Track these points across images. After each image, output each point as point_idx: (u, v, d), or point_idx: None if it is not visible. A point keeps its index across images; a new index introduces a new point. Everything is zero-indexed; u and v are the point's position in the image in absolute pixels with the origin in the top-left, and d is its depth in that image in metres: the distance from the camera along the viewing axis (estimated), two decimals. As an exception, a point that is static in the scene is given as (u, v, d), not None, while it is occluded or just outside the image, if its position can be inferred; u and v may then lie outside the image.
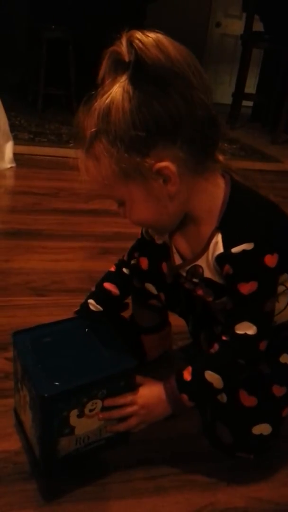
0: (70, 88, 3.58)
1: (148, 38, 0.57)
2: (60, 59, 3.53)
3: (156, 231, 0.77)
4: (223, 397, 0.76)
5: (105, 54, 0.61)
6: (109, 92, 0.59)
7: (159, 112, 0.58)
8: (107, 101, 0.58)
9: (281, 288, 0.72)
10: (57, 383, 0.64)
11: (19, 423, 0.76)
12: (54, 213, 1.78)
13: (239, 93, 3.96)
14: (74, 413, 0.65)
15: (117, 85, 0.58)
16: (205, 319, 0.85)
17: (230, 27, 5.03)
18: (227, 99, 4.05)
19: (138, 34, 0.57)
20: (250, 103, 4.33)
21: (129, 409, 0.69)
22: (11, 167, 2.23)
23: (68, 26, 3.44)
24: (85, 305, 0.86)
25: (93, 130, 0.60)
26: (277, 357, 0.78)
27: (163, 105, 0.58)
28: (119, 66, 0.59)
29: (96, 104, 0.60)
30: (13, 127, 2.40)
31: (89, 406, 0.66)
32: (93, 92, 0.62)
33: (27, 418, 0.70)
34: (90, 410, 0.66)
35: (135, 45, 0.56)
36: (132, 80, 0.58)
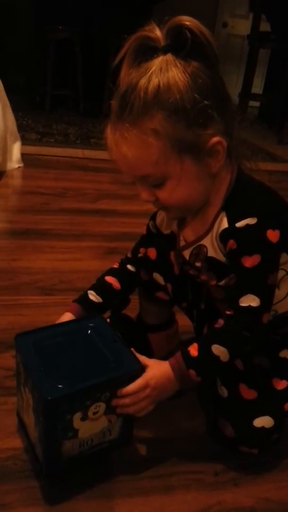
0: (77, 88, 3.59)
1: (196, 21, 0.61)
2: (67, 59, 3.54)
3: (181, 212, 0.76)
4: (224, 392, 0.77)
5: (128, 41, 0.63)
6: (153, 69, 0.60)
7: (211, 85, 0.62)
8: (160, 76, 0.60)
9: (281, 273, 0.73)
10: (60, 386, 0.63)
11: (22, 425, 0.76)
12: (62, 213, 1.78)
13: (245, 93, 3.95)
14: (77, 416, 0.64)
15: (163, 62, 0.61)
16: (210, 315, 0.86)
17: (237, 27, 5.02)
18: (234, 99, 4.04)
19: (186, 17, 0.61)
20: (257, 104, 4.32)
21: (142, 394, 0.69)
22: (19, 167, 2.24)
23: (75, 26, 3.46)
24: (84, 295, 0.86)
25: (147, 104, 0.61)
26: (277, 352, 0.79)
27: (211, 80, 0.62)
28: (150, 50, 0.62)
29: (142, 80, 0.61)
30: (20, 128, 2.42)
31: (92, 409, 0.66)
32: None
33: (30, 420, 0.70)
34: (94, 413, 0.66)
35: (190, 26, 0.60)
36: (182, 57, 0.61)
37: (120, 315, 0.93)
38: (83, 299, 0.85)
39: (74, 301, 0.86)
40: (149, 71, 0.61)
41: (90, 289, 0.87)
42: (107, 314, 0.90)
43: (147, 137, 0.62)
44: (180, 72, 0.60)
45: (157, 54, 0.62)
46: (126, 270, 0.89)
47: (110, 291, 0.87)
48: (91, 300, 0.85)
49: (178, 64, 0.61)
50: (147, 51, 0.62)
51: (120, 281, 0.88)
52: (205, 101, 0.61)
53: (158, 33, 0.62)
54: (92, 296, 0.86)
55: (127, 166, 0.66)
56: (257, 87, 4.26)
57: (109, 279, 0.88)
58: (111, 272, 0.89)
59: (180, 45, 0.61)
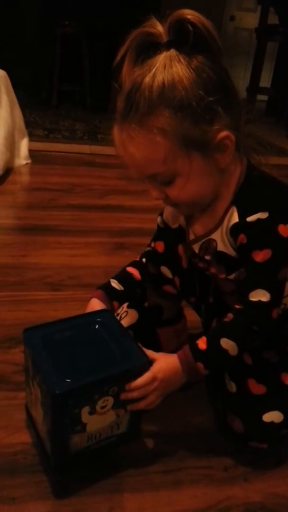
0: (84, 84, 3.59)
1: (198, 15, 0.60)
2: (74, 55, 3.53)
3: (192, 209, 0.75)
4: (233, 387, 0.77)
5: (129, 38, 0.62)
6: (157, 66, 0.59)
7: (216, 79, 0.61)
8: (165, 73, 0.59)
9: None
10: (68, 380, 0.63)
11: (30, 419, 0.76)
12: (69, 209, 1.79)
13: (253, 87, 3.92)
14: (85, 410, 0.65)
15: (167, 58, 0.60)
16: (218, 309, 0.85)
17: (244, 20, 4.98)
18: (242, 94, 4.00)
19: (188, 11, 0.60)
20: (265, 97, 4.29)
21: (151, 387, 0.69)
22: (26, 163, 2.25)
23: (82, 21, 3.45)
24: (107, 283, 0.87)
25: (152, 103, 0.60)
26: (286, 347, 0.79)
27: (216, 74, 0.61)
28: (154, 45, 0.61)
29: (147, 79, 0.60)
30: (27, 124, 2.42)
31: (100, 403, 0.66)
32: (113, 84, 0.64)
33: (38, 414, 0.70)
34: (102, 407, 0.66)
35: (192, 20, 0.59)
36: (186, 52, 0.60)
37: (141, 306, 0.93)
38: (107, 286, 0.86)
39: (98, 287, 0.86)
40: (153, 68, 0.60)
41: (113, 278, 0.88)
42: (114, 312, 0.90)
43: (154, 136, 0.61)
44: (184, 68, 0.59)
45: (160, 50, 0.61)
46: (142, 264, 0.90)
47: (131, 281, 0.88)
48: (114, 288, 0.86)
49: (181, 60, 0.60)
50: (150, 47, 0.61)
51: (140, 273, 0.89)
52: (211, 96, 0.60)
53: (159, 28, 0.61)
54: (115, 284, 0.87)
55: (135, 166, 0.66)
56: (265, 80, 4.23)
57: (130, 269, 0.89)
58: (133, 263, 0.91)
59: (183, 39, 0.60)
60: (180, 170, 0.64)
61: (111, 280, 0.87)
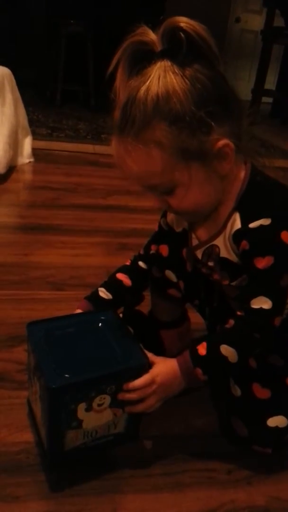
0: (88, 83, 3.59)
1: (191, 22, 0.59)
2: (78, 54, 3.53)
3: (195, 216, 0.75)
4: (237, 391, 0.76)
5: (122, 47, 0.61)
6: (152, 77, 0.58)
7: (212, 87, 0.60)
8: (159, 85, 0.58)
9: None
10: (66, 376, 0.64)
11: (31, 414, 0.77)
12: (72, 208, 1.78)
13: (258, 89, 3.92)
14: (82, 406, 0.65)
15: (161, 69, 0.59)
16: (222, 312, 0.85)
17: (250, 22, 4.98)
18: (247, 96, 4.02)
19: (181, 18, 0.58)
20: (270, 100, 4.29)
21: (149, 389, 0.69)
22: (30, 162, 2.25)
23: (87, 21, 3.45)
24: (95, 292, 0.86)
25: (147, 116, 0.59)
26: None
27: (212, 81, 0.60)
28: (148, 55, 0.60)
29: (141, 91, 0.59)
30: (31, 123, 2.42)
31: (97, 400, 0.66)
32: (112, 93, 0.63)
33: (38, 409, 0.71)
34: (99, 405, 0.66)
35: (185, 28, 0.58)
36: (180, 61, 0.59)
37: (133, 311, 0.92)
38: (94, 296, 0.86)
39: (85, 298, 0.86)
40: (147, 80, 0.59)
41: (101, 286, 0.87)
42: (121, 310, 0.89)
43: (151, 149, 0.61)
44: (179, 79, 0.58)
45: (155, 60, 0.60)
46: (138, 267, 0.88)
47: (121, 288, 0.87)
48: (101, 297, 0.85)
49: (176, 70, 0.59)
50: (143, 56, 0.60)
51: (131, 278, 0.87)
52: (208, 105, 0.59)
53: (152, 36, 0.60)
54: (102, 293, 0.86)
55: (135, 178, 0.66)
56: (270, 83, 4.23)
57: (120, 276, 0.88)
58: (123, 269, 0.89)
59: (177, 48, 0.59)
60: (180, 181, 0.64)
61: (99, 288, 0.86)
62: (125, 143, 0.62)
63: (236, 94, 0.65)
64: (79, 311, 0.83)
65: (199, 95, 0.59)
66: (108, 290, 0.86)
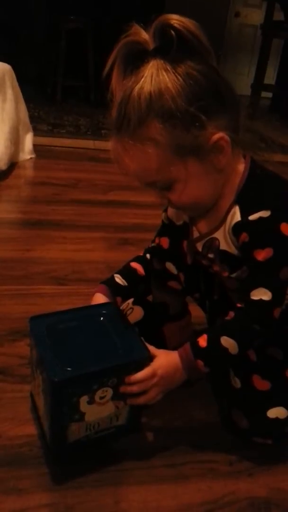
0: (89, 79, 3.58)
1: (181, 19, 0.60)
2: (78, 50, 3.52)
3: (196, 210, 0.76)
4: (237, 383, 0.77)
5: (116, 48, 0.62)
6: (145, 76, 0.60)
7: (205, 82, 0.61)
8: (152, 84, 0.59)
9: None
10: (68, 369, 0.64)
11: (34, 407, 0.77)
12: (74, 204, 1.78)
13: (258, 84, 3.90)
14: (84, 399, 0.65)
15: (153, 68, 0.60)
16: (222, 306, 0.85)
17: (249, 17, 4.95)
18: (246, 90, 4.01)
19: (171, 16, 0.59)
20: (270, 94, 4.27)
21: (150, 382, 0.69)
22: (31, 158, 2.25)
23: (87, 17, 3.43)
24: (111, 278, 0.87)
25: (142, 115, 0.60)
26: None
27: (205, 77, 0.61)
28: (141, 54, 0.61)
29: (135, 91, 0.60)
30: (32, 119, 2.41)
31: (99, 393, 0.66)
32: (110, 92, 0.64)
33: (40, 402, 0.72)
34: (101, 398, 0.67)
35: (175, 25, 0.59)
36: (172, 59, 0.60)
37: (145, 301, 0.93)
38: (110, 281, 0.86)
39: (101, 282, 0.86)
40: (140, 79, 0.60)
41: (116, 273, 0.88)
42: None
43: (146, 147, 0.62)
44: (171, 76, 0.59)
45: (147, 59, 0.61)
46: (147, 260, 0.90)
47: (135, 276, 0.88)
48: (117, 283, 0.86)
49: (168, 68, 0.60)
50: (137, 55, 0.61)
51: (144, 268, 0.89)
52: (201, 100, 0.60)
53: (144, 35, 0.61)
54: (118, 279, 0.86)
55: (133, 175, 0.67)
56: (270, 77, 4.21)
57: (134, 264, 0.89)
58: (137, 258, 0.90)
59: (168, 46, 0.60)
60: (177, 176, 0.65)
61: (115, 275, 0.87)
62: (122, 142, 0.63)
63: (232, 88, 0.65)
64: (99, 295, 0.83)
65: (192, 91, 0.60)
66: (123, 277, 0.87)
